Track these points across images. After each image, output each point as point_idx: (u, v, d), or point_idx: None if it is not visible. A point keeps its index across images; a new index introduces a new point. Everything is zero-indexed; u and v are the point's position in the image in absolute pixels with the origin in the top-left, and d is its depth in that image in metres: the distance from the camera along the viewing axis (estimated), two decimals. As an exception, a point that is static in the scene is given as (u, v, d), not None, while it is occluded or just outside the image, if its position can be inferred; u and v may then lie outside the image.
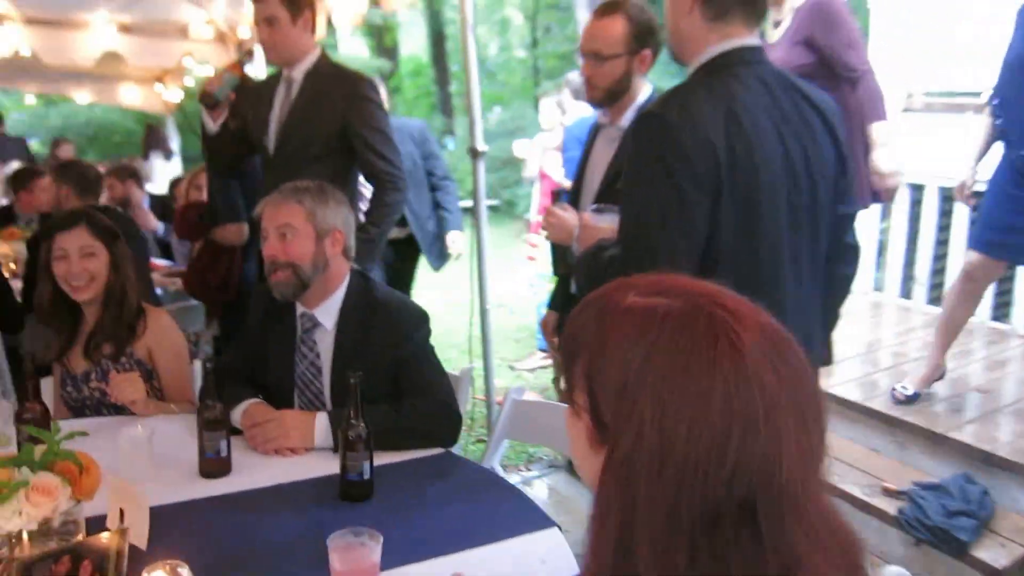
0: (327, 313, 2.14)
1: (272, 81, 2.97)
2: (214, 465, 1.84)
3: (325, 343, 2.14)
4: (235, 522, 1.65)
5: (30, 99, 11.53)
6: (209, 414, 1.83)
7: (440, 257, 4.33)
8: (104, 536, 1.35)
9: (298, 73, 2.86)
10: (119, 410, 2.25)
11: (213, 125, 2.98)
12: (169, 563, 1.32)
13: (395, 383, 2.05)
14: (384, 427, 1.86)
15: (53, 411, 2.23)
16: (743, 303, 0.79)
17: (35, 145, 10.06)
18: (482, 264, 3.47)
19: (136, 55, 6.13)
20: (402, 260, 4.23)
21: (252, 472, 1.87)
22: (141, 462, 1.81)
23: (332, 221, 2.13)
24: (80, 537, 1.36)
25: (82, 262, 2.25)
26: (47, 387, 2.36)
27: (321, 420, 1.98)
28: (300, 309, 2.15)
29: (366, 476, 1.73)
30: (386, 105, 3.10)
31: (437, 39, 18.00)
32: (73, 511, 1.38)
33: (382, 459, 1.84)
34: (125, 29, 5.93)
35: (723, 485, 0.71)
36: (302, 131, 2.85)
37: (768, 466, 0.72)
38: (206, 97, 2.90)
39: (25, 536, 1.31)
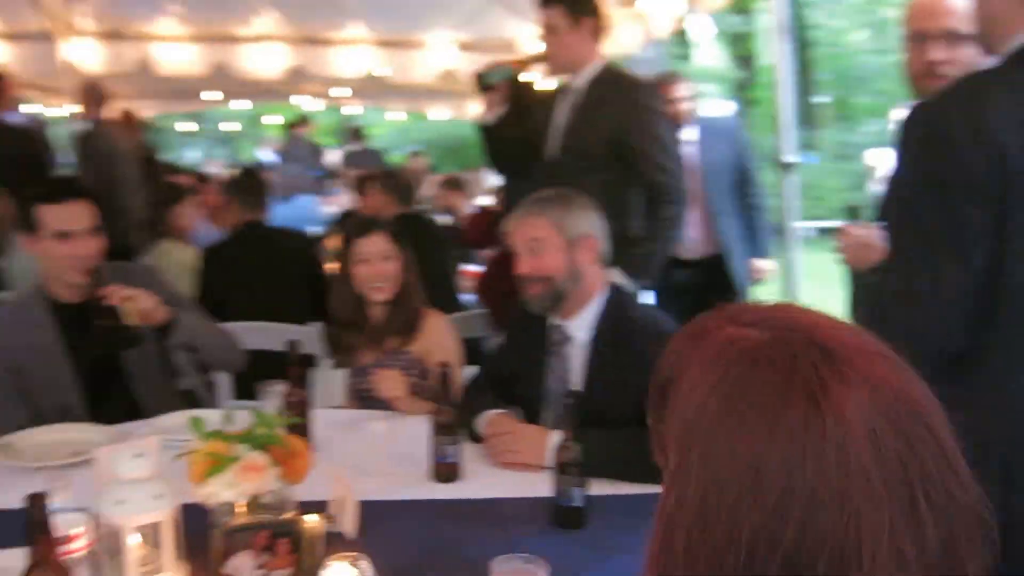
0: (581, 326, 2.08)
1: (557, 90, 2.99)
2: (442, 469, 1.87)
3: (576, 358, 2.08)
4: (441, 529, 1.65)
5: (391, 115, 13.03)
6: (440, 418, 1.86)
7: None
8: (307, 519, 1.42)
9: (580, 81, 2.84)
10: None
11: (488, 115, 3.05)
12: (352, 555, 1.35)
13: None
14: (604, 453, 1.74)
15: (346, 402, 2.47)
16: (863, 348, 0.60)
17: (396, 157, 11.33)
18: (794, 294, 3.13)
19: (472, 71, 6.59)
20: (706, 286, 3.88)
21: (481, 481, 1.86)
22: (377, 456, 1.90)
23: (580, 228, 2.08)
24: (286, 516, 1.43)
25: (382, 265, 2.44)
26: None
27: (555, 439, 1.92)
28: (553, 321, 2.12)
29: (575, 503, 1.64)
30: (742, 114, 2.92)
31: (800, 46, 17.08)
32: (282, 492, 1.46)
33: (618, 488, 1.75)
34: (464, 47, 6.42)
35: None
36: (579, 140, 2.82)
37: (840, 568, 0.54)
38: (477, 78, 2.98)
39: (237, 507, 1.42)
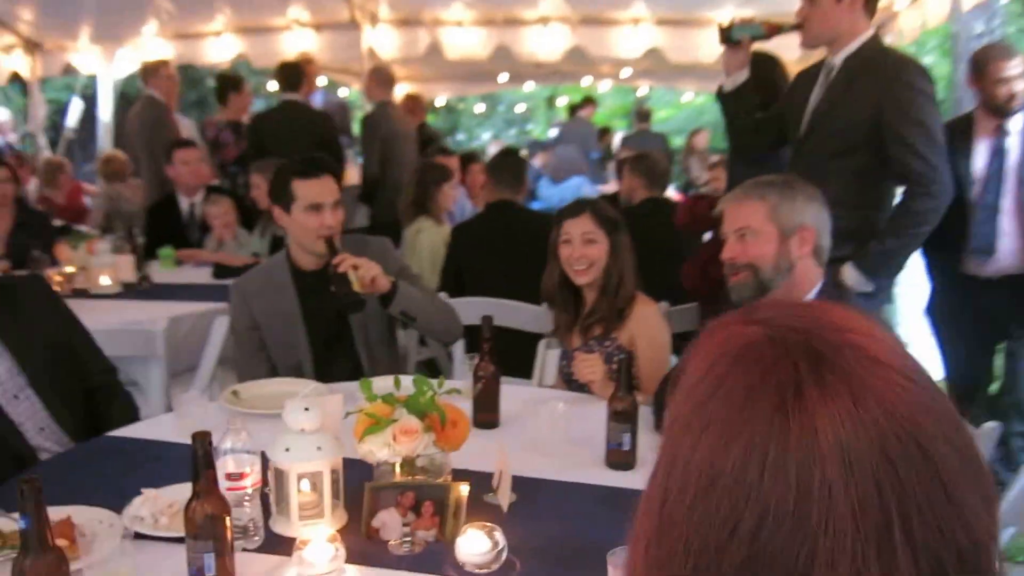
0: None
1: (816, 68, 2.74)
2: (615, 456, 1.83)
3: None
4: (597, 515, 1.62)
5: (687, 97, 12.79)
6: (617, 405, 1.82)
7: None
8: (454, 486, 1.46)
9: (838, 58, 2.58)
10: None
11: (727, 80, 2.89)
12: (488, 525, 1.37)
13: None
14: None
15: (557, 382, 2.51)
16: (872, 357, 0.52)
17: (679, 140, 11.12)
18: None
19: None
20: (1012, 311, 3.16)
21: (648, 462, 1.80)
22: (556, 437, 1.90)
23: (799, 218, 1.92)
24: (435, 481, 1.49)
25: (583, 248, 2.43)
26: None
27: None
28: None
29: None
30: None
31: None
32: (438, 457, 1.53)
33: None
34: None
35: None
36: (830, 121, 2.57)
37: None
38: (722, 31, 2.82)
39: (396, 468, 1.50)
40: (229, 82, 5.41)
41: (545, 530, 1.55)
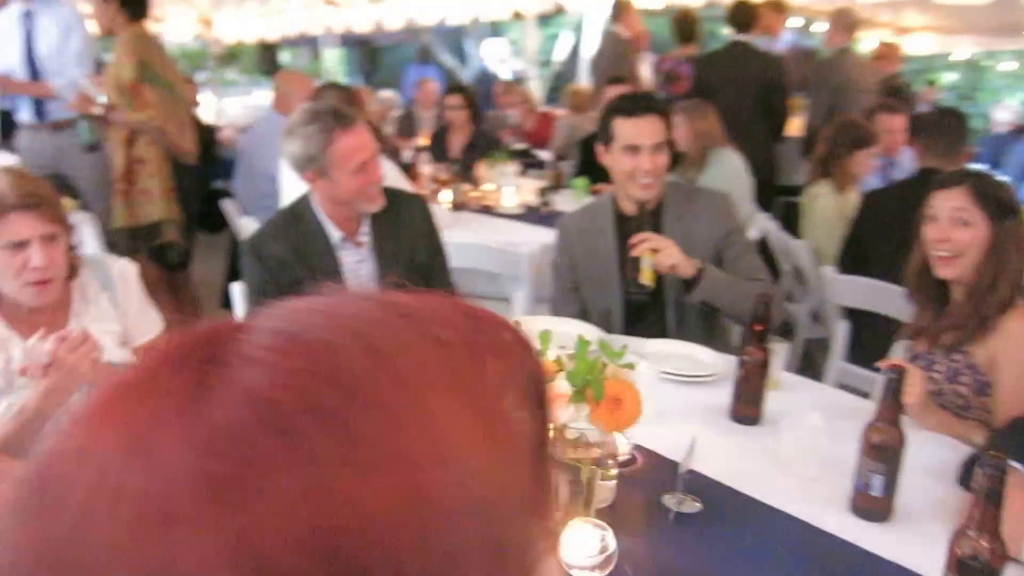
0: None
1: None
2: (862, 501, 1.43)
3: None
4: (781, 563, 1.30)
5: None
6: (873, 436, 1.41)
7: None
8: (585, 466, 1.29)
9: None
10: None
11: None
12: (599, 523, 1.20)
13: None
14: None
15: None
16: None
17: None
18: None
19: None
20: None
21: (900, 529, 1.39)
22: (809, 455, 1.56)
23: None
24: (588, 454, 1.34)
25: (951, 229, 1.89)
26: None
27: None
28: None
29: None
30: None
31: None
32: (590, 435, 1.36)
33: None
34: None
35: None
36: None
37: None
38: None
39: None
40: (687, 22, 5.36)
41: (706, 560, 1.29)
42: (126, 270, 1.97)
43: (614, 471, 1.36)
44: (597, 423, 1.36)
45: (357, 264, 2.32)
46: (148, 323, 1.99)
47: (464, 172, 4.35)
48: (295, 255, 2.23)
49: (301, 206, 2.29)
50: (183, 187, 3.93)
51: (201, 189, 4.43)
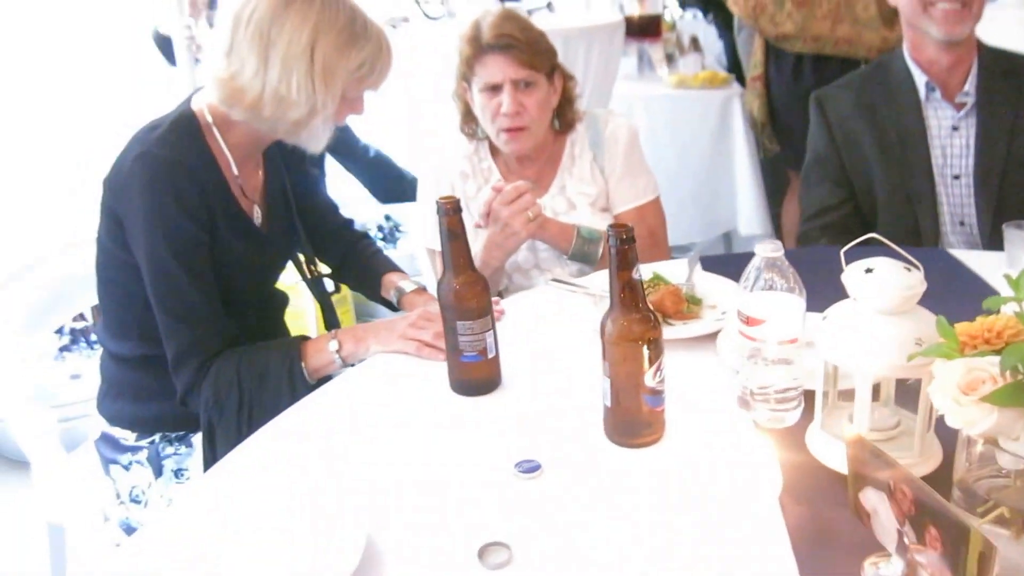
0: None
1: None
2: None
3: None
4: None
5: None
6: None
7: None
8: (975, 534, 0.66)
9: None
10: None
11: None
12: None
13: None
14: None
15: None
16: None
17: None
18: None
19: None
20: None
21: None
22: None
23: None
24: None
25: None
26: None
27: None
28: None
29: None
30: None
31: None
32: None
33: None
34: None
35: None
36: None
37: None
38: None
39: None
40: None
41: None
42: (619, 129, 1.86)
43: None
44: None
45: (951, 132, 1.89)
46: (631, 190, 1.86)
47: None
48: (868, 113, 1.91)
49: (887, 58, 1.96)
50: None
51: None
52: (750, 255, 1.05)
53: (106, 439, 1.55)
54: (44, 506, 1.58)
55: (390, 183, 3.98)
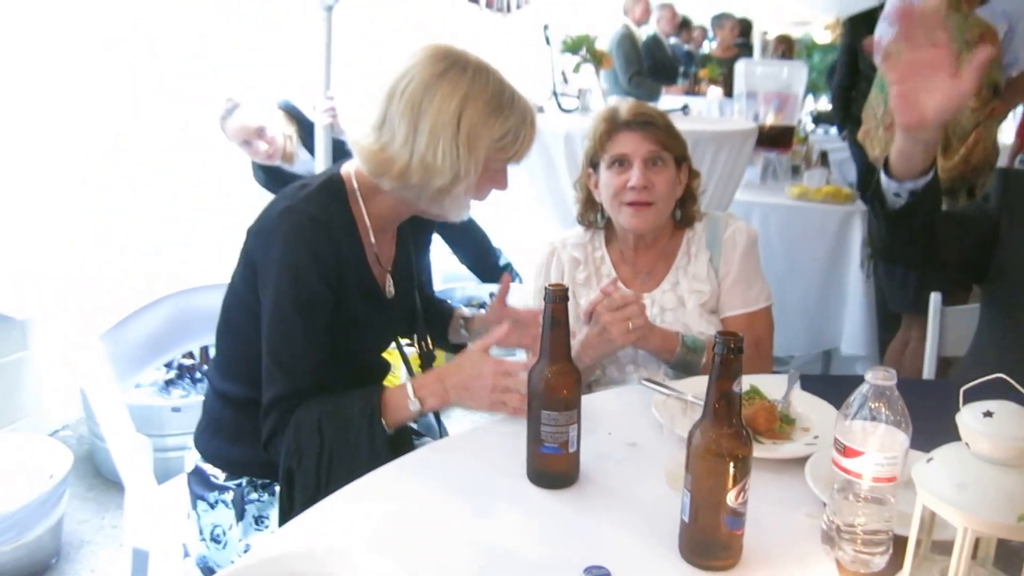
0: None
1: None
2: None
3: None
4: None
5: None
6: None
7: None
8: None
9: None
10: None
11: None
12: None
13: None
14: None
15: None
16: None
17: None
18: None
19: None
20: None
21: None
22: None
23: None
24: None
25: None
26: None
27: None
28: None
29: None
30: None
31: None
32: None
33: None
34: None
35: None
36: None
37: None
38: None
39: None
40: None
41: None
42: (739, 233, 1.84)
43: None
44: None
45: None
46: (743, 295, 1.83)
47: None
48: None
49: None
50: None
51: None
52: (852, 379, 1.00)
53: (198, 474, 1.60)
54: (132, 530, 1.64)
55: (490, 265, 4.10)
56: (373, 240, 1.53)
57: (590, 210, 1.92)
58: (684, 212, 1.87)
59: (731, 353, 0.94)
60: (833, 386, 1.31)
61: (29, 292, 2.95)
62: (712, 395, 0.97)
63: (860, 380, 0.99)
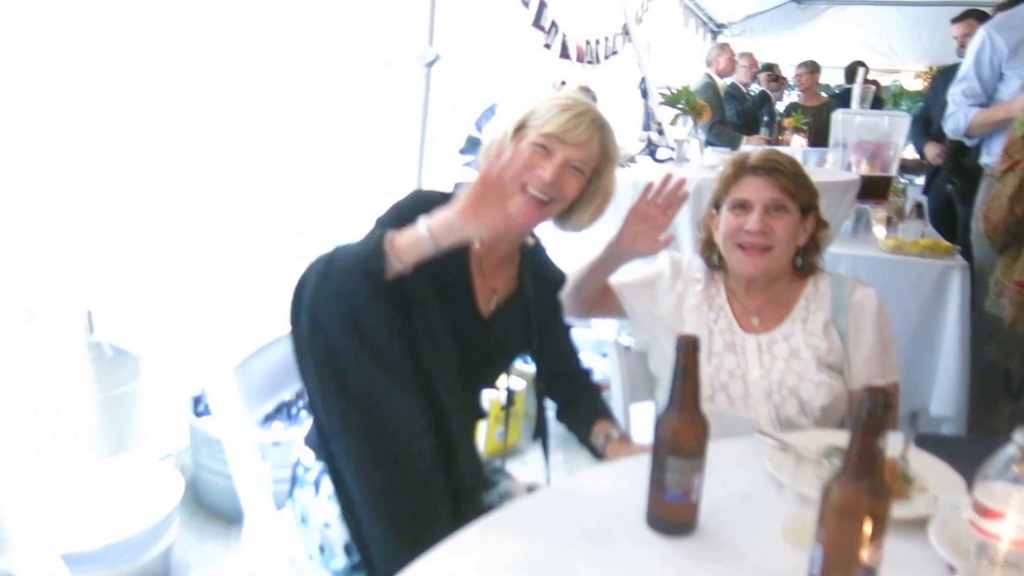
0: None
1: None
2: None
3: None
4: None
5: None
6: None
7: None
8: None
9: None
10: None
11: None
12: None
13: None
14: None
15: None
16: None
17: None
18: None
19: None
20: None
21: None
22: None
23: None
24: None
25: None
26: None
27: None
28: None
29: None
30: None
31: None
32: None
33: None
34: None
35: None
36: None
37: None
38: None
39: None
40: None
41: None
42: (868, 299, 1.83)
43: None
44: None
45: None
46: (882, 365, 1.82)
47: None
48: None
49: None
50: None
51: None
52: (964, 440, 1.01)
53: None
54: (249, 557, 1.71)
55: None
56: (477, 244, 1.61)
57: (709, 250, 1.94)
58: (805, 260, 1.87)
59: (880, 409, 0.94)
60: (942, 447, 1.29)
61: (143, 325, 3.08)
62: (855, 449, 0.97)
63: (967, 440, 1.00)
